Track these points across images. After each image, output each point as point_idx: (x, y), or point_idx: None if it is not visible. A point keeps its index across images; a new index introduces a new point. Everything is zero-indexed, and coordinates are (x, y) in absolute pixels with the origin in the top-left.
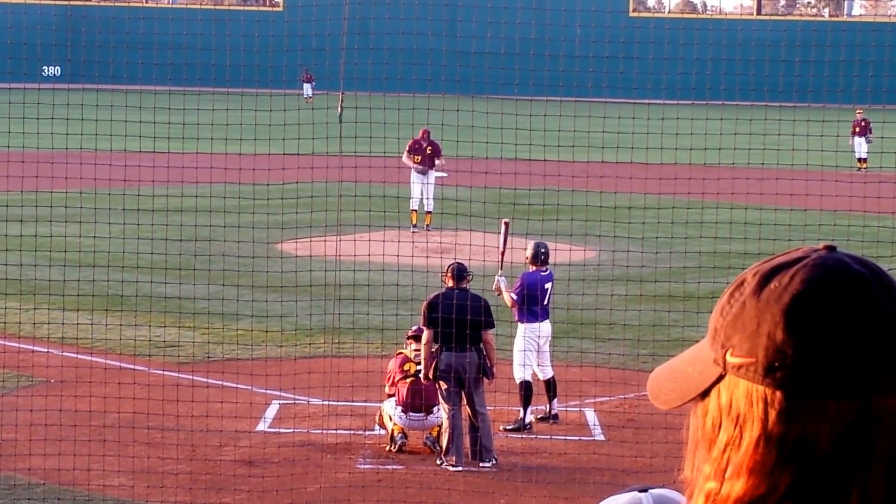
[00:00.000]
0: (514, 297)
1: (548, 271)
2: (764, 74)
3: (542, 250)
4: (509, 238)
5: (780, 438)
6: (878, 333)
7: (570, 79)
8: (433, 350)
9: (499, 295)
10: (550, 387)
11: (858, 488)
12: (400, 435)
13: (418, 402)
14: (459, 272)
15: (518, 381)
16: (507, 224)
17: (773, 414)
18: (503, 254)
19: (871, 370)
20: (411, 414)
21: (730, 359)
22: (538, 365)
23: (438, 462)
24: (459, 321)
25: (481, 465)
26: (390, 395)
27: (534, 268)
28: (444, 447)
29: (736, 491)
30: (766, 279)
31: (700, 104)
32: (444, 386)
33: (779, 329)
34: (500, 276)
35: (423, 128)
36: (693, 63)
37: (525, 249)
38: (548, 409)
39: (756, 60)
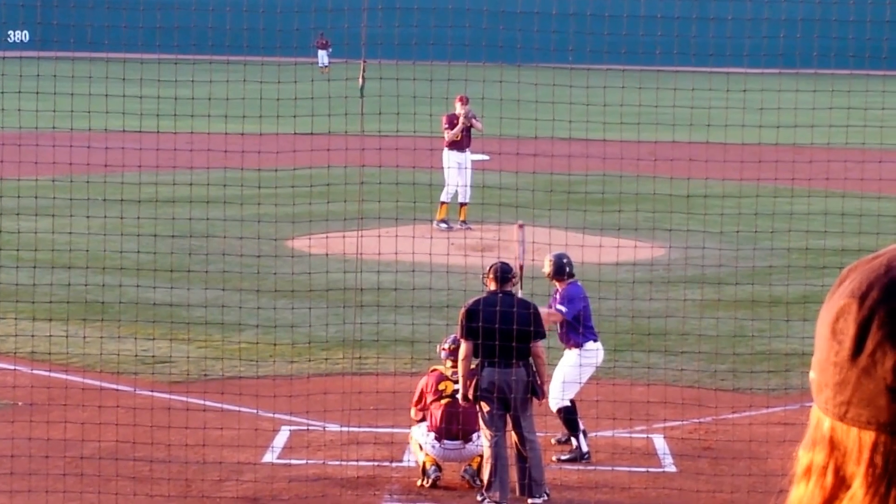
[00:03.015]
0: (564, 310)
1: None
2: (865, 37)
3: (565, 261)
4: (526, 246)
5: (816, 465)
6: None
7: (635, 43)
8: (473, 366)
9: None
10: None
11: None
12: (433, 467)
13: (455, 427)
14: (503, 273)
15: (555, 410)
16: (522, 228)
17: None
18: (522, 267)
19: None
20: (446, 442)
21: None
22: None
23: (479, 498)
24: (504, 331)
25: (530, 501)
26: (419, 420)
27: (560, 285)
28: (485, 481)
29: None
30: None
31: (789, 73)
32: (485, 408)
33: (816, 350)
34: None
35: (458, 95)
36: (781, 24)
37: (544, 266)
38: (577, 444)
39: (856, 21)
